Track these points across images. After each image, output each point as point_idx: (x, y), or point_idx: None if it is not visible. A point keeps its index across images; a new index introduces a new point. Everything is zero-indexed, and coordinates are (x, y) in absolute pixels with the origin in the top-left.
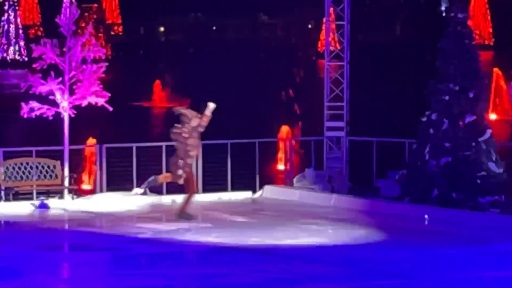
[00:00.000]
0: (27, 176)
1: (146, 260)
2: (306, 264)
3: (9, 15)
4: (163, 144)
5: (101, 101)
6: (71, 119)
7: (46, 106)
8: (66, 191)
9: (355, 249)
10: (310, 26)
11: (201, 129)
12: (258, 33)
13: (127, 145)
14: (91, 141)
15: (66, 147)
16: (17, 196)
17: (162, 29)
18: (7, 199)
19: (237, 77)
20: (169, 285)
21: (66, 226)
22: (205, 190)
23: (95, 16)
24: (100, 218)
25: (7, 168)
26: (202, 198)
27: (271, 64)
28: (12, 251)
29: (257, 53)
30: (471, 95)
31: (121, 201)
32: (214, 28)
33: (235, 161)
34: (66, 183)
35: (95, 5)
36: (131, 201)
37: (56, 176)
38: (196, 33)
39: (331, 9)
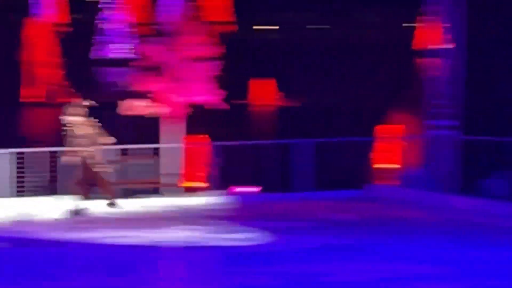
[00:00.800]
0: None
1: (254, 258)
2: (408, 265)
3: (114, 13)
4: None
5: (210, 99)
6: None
7: (152, 104)
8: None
9: (459, 250)
10: (407, 24)
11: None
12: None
13: (234, 143)
14: (198, 138)
15: (173, 145)
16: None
17: (271, 27)
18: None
19: (345, 76)
20: (275, 285)
21: (179, 223)
22: (319, 188)
23: (197, 14)
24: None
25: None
26: (310, 196)
27: (372, 62)
28: (118, 248)
29: (359, 52)
30: None
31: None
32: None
33: (346, 159)
34: (171, 180)
35: (196, 3)
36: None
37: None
38: (306, 32)
39: (434, 7)
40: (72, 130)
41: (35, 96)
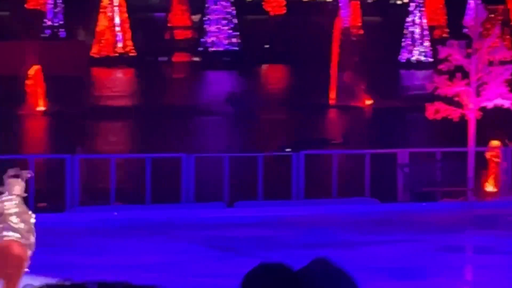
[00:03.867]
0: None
1: None
2: None
3: (414, 16)
4: None
5: (507, 103)
6: (476, 121)
7: (451, 108)
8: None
9: None
10: None
11: None
12: None
13: None
14: (494, 143)
15: (472, 149)
16: None
17: None
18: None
19: None
20: None
21: (468, 227)
22: None
23: (501, 18)
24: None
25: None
26: None
27: None
28: (421, 252)
29: None
30: None
31: None
32: None
33: None
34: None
35: (501, 6)
36: None
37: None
38: None
39: None
40: None
41: (338, 98)
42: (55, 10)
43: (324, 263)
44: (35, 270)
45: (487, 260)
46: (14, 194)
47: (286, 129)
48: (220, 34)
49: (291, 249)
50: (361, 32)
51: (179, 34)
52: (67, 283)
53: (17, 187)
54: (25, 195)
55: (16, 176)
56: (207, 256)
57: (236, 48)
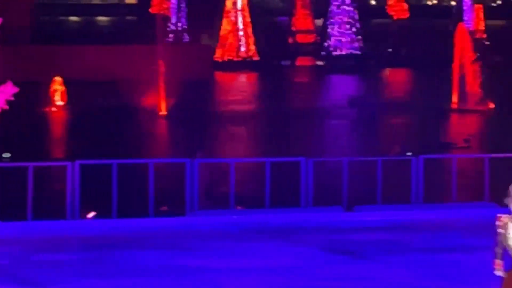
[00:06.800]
0: None
1: None
2: None
3: None
4: None
5: None
6: None
7: None
8: None
9: None
10: None
11: None
12: None
13: None
14: None
15: None
16: None
17: None
18: None
19: None
20: None
21: None
22: None
23: None
24: None
25: None
26: None
27: None
28: None
29: None
30: None
31: None
32: None
33: None
34: None
35: None
36: None
37: None
38: None
39: None
40: None
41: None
42: (179, 15)
43: None
44: (164, 272)
45: None
46: None
47: (408, 133)
48: (343, 38)
49: (411, 253)
50: (484, 36)
51: (302, 38)
52: None
53: None
54: None
55: None
56: (328, 260)
57: (359, 52)
